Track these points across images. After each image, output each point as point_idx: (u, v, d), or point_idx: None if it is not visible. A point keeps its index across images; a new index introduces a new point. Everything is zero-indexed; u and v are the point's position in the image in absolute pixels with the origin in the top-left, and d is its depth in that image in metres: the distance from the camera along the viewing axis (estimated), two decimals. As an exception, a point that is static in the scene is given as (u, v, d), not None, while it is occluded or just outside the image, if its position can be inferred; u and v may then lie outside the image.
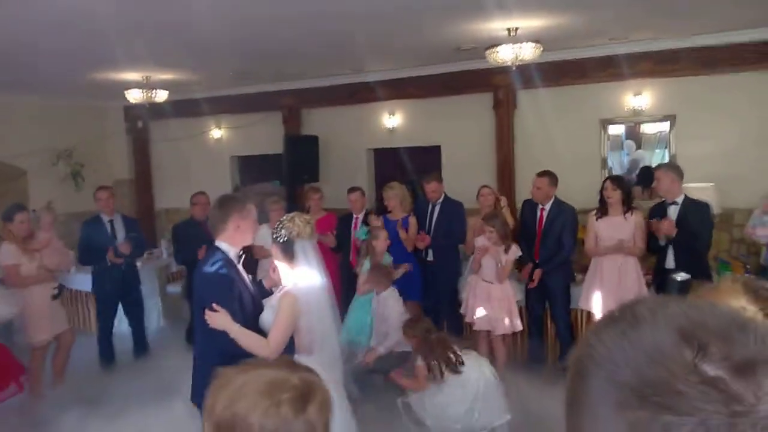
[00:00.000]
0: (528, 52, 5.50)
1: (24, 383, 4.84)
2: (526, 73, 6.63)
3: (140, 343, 6.21)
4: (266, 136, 8.79)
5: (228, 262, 3.12)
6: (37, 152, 8.53)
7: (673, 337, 0.56)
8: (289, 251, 3.06)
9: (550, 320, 5.80)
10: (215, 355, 2.86)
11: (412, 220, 6.08)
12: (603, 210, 5.27)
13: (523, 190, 6.52)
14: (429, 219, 6.05)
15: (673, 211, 5.00)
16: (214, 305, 2.94)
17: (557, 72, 6.89)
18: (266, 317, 3.10)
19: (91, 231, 5.89)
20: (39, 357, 5.25)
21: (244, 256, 3.33)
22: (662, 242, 4.98)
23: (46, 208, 6.10)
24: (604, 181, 5.38)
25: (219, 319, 2.94)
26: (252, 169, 9.49)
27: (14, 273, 5.04)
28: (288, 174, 8.27)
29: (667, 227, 4.88)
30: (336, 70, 7.72)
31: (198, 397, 3.05)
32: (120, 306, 6.11)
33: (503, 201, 6.03)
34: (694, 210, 4.96)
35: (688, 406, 0.53)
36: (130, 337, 6.22)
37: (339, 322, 3.22)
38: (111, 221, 6.00)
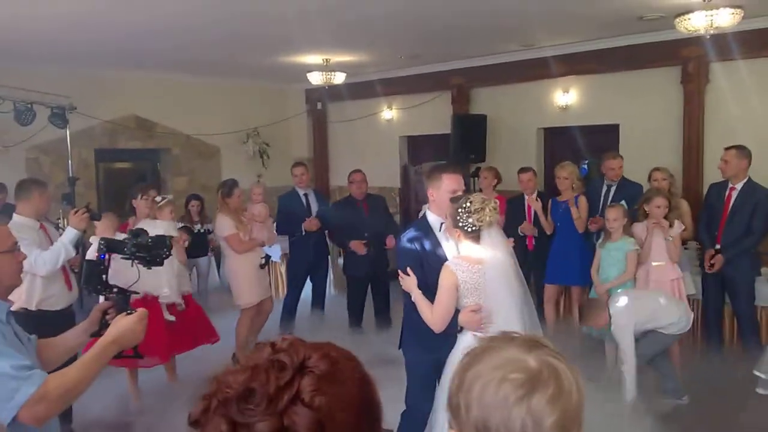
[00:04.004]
0: (725, 18, 4.97)
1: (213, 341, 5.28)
2: (721, 43, 5.98)
3: (317, 310, 6.68)
4: (434, 116, 8.87)
5: (423, 229, 3.36)
6: (228, 131, 9.42)
7: None
8: (474, 238, 3.05)
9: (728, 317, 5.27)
10: (415, 314, 3.17)
11: (582, 200, 5.83)
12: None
13: (712, 175, 5.93)
14: (603, 200, 5.74)
15: None
16: (408, 269, 3.23)
17: (760, 41, 6.12)
18: None
19: (289, 203, 6.47)
20: (245, 318, 5.80)
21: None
22: None
23: (257, 183, 6.78)
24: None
25: (406, 282, 3.23)
26: (420, 148, 9.64)
27: (237, 240, 5.62)
28: (455, 154, 8.28)
29: None
30: (506, 47, 7.55)
31: (406, 347, 3.50)
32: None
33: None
34: None
35: None
36: (307, 302, 6.72)
37: (525, 304, 3.13)
38: (306, 195, 6.53)
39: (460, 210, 3.04)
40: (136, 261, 2.59)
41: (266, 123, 9.84)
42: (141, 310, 2.15)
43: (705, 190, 5.88)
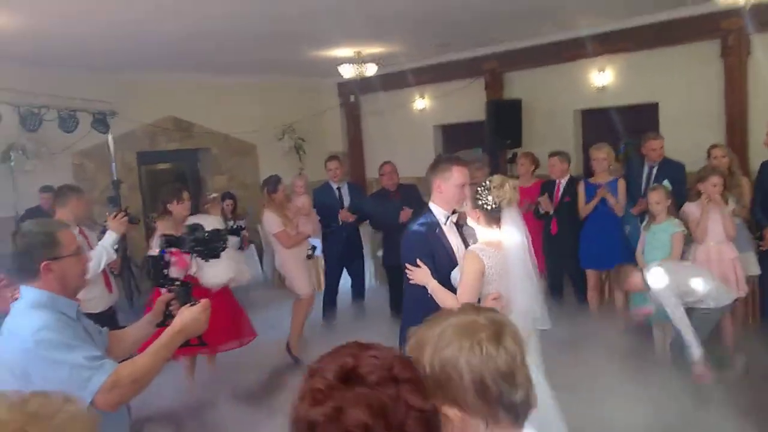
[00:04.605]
0: (766, -12, 4.81)
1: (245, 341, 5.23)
2: (762, 14, 5.79)
3: (358, 301, 6.76)
4: (468, 103, 8.81)
5: (431, 222, 3.26)
6: (264, 128, 9.53)
7: None
8: (495, 218, 3.03)
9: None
10: (419, 308, 3.01)
11: (621, 183, 5.73)
12: None
13: (757, 151, 5.77)
14: (646, 182, 5.62)
15: None
16: (418, 261, 3.13)
17: (804, 9, 5.91)
18: (454, 275, 3.16)
19: (322, 197, 6.53)
20: (303, 308, 5.90)
21: (452, 217, 3.35)
22: None
23: (299, 175, 6.90)
24: None
25: (419, 274, 3.14)
26: (454, 137, 9.60)
27: (286, 236, 5.74)
28: (490, 140, 8.23)
29: None
30: (538, 30, 7.43)
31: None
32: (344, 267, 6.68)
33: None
34: None
35: None
36: (347, 294, 6.80)
37: (536, 291, 3.10)
38: (339, 188, 6.59)
39: (479, 188, 3.04)
40: (195, 255, 2.75)
41: (301, 118, 9.93)
42: (204, 301, 2.27)
43: (751, 167, 5.70)
